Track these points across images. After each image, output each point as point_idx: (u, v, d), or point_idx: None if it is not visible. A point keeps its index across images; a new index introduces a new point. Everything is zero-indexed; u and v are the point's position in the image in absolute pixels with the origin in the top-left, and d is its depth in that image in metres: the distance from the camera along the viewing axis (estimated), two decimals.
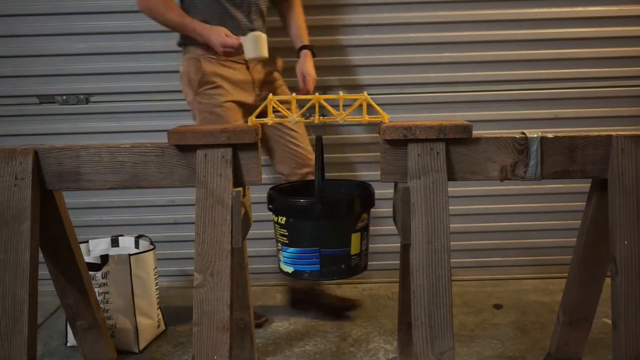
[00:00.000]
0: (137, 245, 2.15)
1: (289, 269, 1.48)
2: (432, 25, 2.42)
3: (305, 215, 1.42)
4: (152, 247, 2.08)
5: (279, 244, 1.49)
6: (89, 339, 1.77)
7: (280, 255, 1.50)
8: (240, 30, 1.96)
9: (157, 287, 2.07)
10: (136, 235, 2.18)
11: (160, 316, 2.11)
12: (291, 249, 1.45)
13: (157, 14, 1.97)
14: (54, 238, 1.58)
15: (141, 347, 1.99)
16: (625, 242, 1.38)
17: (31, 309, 1.37)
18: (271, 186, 1.58)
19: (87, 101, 2.48)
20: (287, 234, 1.45)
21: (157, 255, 2.15)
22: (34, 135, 2.47)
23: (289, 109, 1.46)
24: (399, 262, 1.67)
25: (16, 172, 1.38)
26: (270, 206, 1.48)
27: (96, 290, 1.90)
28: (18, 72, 2.45)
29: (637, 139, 1.39)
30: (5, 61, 2.44)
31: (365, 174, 2.46)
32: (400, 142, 1.38)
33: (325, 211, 1.39)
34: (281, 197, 1.47)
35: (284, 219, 1.44)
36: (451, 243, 1.36)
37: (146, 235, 2.19)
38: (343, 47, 2.43)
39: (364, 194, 1.48)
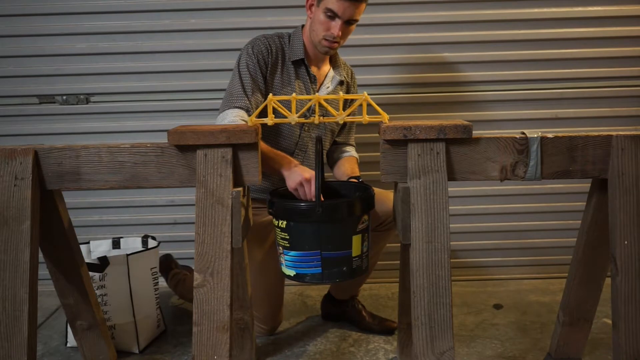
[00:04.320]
0: (144, 245, 2.14)
1: (291, 272, 1.47)
2: (432, 25, 2.42)
3: (305, 219, 1.41)
4: (153, 245, 2.07)
5: (280, 248, 1.49)
6: (89, 339, 1.76)
7: (281, 259, 1.50)
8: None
9: (156, 287, 2.06)
10: (142, 235, 2.18)
11: (160, 316, 2.11)
12: (292, 253, 1.45)
13: None
14: (54, 238, 1.58)
15: (141, 347, 1.99)
16: (625, 242, 1.38)
17: (31, 309, 1.37)
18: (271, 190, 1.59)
19: (87, 101, 2.48)
20: (288, 237, 1.45)
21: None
22: (34, 135, 2.47)
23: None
24: (399, 262, 1.67)
25: (16, 172, 1.38)
26: (271, 210, 1.48)
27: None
28: (18, 72, 2.45)
29: (637, 139, 1.39)
30: (5, 61, 2.44)
31: (365, 174, 2.46)
32: (400, 142, 1.38)
33: (325, 214, 1.39)
34: (281, 201, 1.47)
35: (285, 222, 1.44)
36: (451, 243, 1.36)
37: (149, 234, 2.19)
38: (343, 47, 2.43)
39: (364, 196, 1.48)
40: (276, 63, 1.86)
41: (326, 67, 1.96)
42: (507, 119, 2.49)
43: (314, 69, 1.92)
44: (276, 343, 2.04)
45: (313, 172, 1.57)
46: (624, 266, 1.38)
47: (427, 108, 2.48)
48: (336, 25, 1.77)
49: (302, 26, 1.92)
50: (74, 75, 2.45)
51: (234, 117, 1.71)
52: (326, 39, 1.80)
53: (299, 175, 1.59)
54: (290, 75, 1.88)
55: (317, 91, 1.92)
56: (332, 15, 1.76)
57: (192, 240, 1.37)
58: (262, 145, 1.61)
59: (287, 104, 1.56)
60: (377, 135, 1.43)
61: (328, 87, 1.93)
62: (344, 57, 2.42)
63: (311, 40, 1.86)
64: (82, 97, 2.47)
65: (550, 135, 1.41)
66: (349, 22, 1.78)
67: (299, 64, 1.89)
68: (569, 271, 1.66)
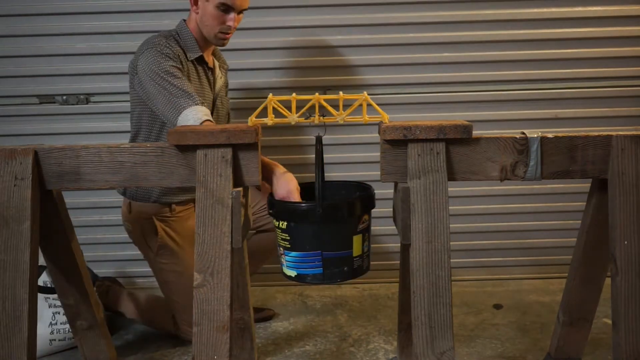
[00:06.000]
0: None
1: (292, 273, 1.48)
2: (432, 25, 2.42)
3: (306, 220, 1.41)
4: None
5: (281, 249, 1.49)
6: (89, 339, 1.76)
7: (282, 260, 1.50)
8: None
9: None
10: None
11: None
12: (293, 253, 1.45)
13: None
14: (54, 238, 1.58)
15: None
16: (625, 242, 1.38)
17: (31, 309, 1.37)
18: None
19: (87, 101, 2.48)
20: (288, 238, 1.45)
21: None
22: (34, 135, 2.47)
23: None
24: (399, 262, 1.67)
25: (16, 172, 1.38)
26: (271, 211, 1.48)
27: None
28: (18, 72, 2.45)
29: (637, 139, 1.39)
30: (6, 61, 2.44)
31: (365, 174, 2.46)
32: (400, 142, 1.38)
33: (326, 215, 1.39)
34: (282, 202, 1.47)
35: (285, 223, 1.44)
36: (451, 243, 1.36)
37: None
38: (343, 47, 2.43)
39: (365, 196, 1.48)
40: (181, 65, 1.81)
41: (211, 57, 1.99)
42: (507, 119, 2.49)
43: (209, 61, 1.96)
44: (276, 343, 2.04)
45: (297, 184, 1.55)
46: (624, 266, 1.38)
47: (427, 108, 2.48)
48: (232, 18, 1.81)
49: (184, 20, 1.91)
50: (74, 75, 2.45)
51: (201, 115, 1.61)
52: (222, 32, 1.84)
53: (287, 185, 1.54)
54: (195, 73, 1.90)
55: (214, 83, 1.97)
56: (226, 8, 1.79)
57: None
58: None
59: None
60: (377, 135, 1.43)
61: (221, 78, 1.99)
62: (346, 57, 2.44)
63: (202, 34, 1.87)
64: (82, 97, 2.47)
65: (550, 135, 1.41)
66: (241, 12, 1.84)
67: (199, 60, 1.91)
68: (569, 271, 1.66)
